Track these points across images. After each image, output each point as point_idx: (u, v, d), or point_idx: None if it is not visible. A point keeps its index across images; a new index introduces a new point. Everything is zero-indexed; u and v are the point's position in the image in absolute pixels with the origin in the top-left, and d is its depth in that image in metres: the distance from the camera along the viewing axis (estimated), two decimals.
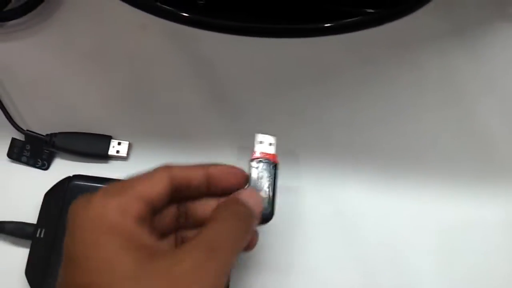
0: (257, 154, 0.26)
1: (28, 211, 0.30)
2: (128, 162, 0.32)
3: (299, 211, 0.31)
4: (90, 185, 0.30)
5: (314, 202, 0.31)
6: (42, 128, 0.32)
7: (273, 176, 0.26)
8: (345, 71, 0.34)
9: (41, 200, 0.30)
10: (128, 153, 0.31)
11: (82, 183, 0.30)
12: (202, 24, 0.35)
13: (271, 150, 0.26)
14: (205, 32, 0.35)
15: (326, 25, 0.34)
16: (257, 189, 0.25)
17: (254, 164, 0.26)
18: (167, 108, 0.33)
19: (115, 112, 0.33)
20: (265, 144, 0.27)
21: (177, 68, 0.34)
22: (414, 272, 0.29)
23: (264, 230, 0.26)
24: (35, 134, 0.31)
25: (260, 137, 0.27)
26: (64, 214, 0.28)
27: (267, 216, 0.25)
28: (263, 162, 0.26)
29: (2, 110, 0.32)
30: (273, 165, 0.26)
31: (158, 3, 0.34)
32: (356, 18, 0.33)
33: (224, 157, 0.31)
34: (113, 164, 0.32)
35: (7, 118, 0.32)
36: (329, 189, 0.31)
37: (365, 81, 0.33)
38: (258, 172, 0.26)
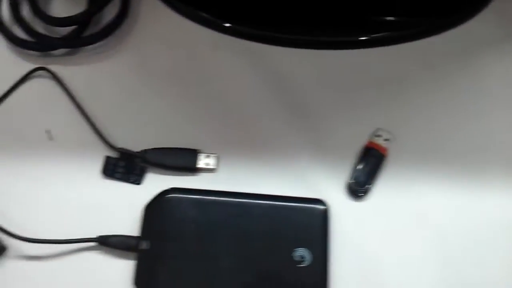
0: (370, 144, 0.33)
1: (126, 224, 0.32)
2: (217, 174, 0.33)
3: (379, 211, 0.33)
4: (187, 197, 0.32)
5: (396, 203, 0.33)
6: (131, 145, 0.34)
7: (378, 165, 0.32)
8: (410, 78, 0.36)
9: (138, 213, 0.32)
10: (216, 165, 0.34)
11: (179, 195, 0.32)
12: (271, 40, 0.37)
13: (385, 144, 0.33)
14: (273, 47, 0.37)
15: (388, 35, 0.37)
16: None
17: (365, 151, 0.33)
18: (247, 122, 0.35)
19: (199, 126, 0.35)
20: (381, 138, 0.33)
21: (252, 83, 0.36)
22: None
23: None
24: (128, 151, 0.33)
25: (379, 131, 0.34)
26: (167, 227, 0.31)
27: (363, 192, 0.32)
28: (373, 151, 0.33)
29: (94, 129, 0.33)
30: (381, 155, 0.33)
31: (228, 24, 0.37)
32: (417, 28, 0.36)
33: (302, 164, 0.33)
34: (202, 176, 0.33)
35: (100, 137, 0.33)
36: (409, 191, 0.33)
37: (431, 88, 0.35)
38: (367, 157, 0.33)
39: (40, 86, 0.36)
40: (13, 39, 0.36)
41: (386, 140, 0.33)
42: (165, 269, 0.30)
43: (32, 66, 0.36)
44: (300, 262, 0.30)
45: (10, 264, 0.31)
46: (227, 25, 0.37)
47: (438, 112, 0.35)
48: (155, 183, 0.33)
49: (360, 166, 0.33)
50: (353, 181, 0.33)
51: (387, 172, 0.33)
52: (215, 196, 0.32)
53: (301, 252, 0.30)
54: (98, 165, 0.33)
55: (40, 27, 0.37)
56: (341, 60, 0.36)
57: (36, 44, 0.36)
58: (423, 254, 0.31)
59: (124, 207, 0.33)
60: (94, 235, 0.31)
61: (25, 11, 0.37)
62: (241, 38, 0.36)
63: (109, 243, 0.31)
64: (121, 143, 0.34)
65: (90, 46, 0.36)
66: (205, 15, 0.37)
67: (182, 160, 0.33)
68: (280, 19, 0.37)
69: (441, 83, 0.36)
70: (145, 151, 0.33)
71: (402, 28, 0.37)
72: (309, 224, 0.31)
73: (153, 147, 0.34)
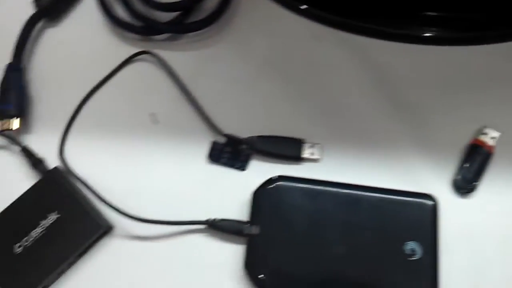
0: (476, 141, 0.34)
1: (232, 209, 0.32)
2: (320, 163, 0.33)
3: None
4: (295, 186, 0.32)
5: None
6: (234, 131, 0.34)
7: (485, 163, 0.33)
8: (504, 76, 0.36)
9: (244, 198, 0.32)
10: (320, 156, 0.34)
11: (287, 183, 0.32)
12: (373, 32, 0.37)
13: (492, 142, 0.33)
14: (374, 40, 0.37)
15: (487, 33, 0.37)
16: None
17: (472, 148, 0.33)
18: (351, 113, 0.35)
19: (303, 115, 0.35)
20: (488, 136, 0.33)
21: (354, 75, 0.36)
22: None
23: None
24: (235, 137, 0.33)
25: (486, 129, 0.34)
26: (275, 213, 0.31)
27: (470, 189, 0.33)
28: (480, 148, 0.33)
29: (201, 114, 0.34)
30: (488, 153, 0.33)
31: (331, 15, 0.37)
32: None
33: (405, 158, 0.33)
34: (306, 165, 0.33)
35: (207, 122, 0.34)
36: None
37: None
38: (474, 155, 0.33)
39: (143, 69, 0.36)
40: (118, 22, 0.37)
41: (492, 138, 0.33)
42: (275, 254, 0.30)
43: (133, 49, 0.37)
44: (411, 255, 0.30)
45: (117, 243, 0.32)
46: (302, 6, 0.36)
47: None
48: (259, 170, 0.33)
49: (466, 163, 0.33)
50: (460, 177, 0.33)
51: (493, 170, 0.33)
52: (323, 186, 0.32)
53: (412, 246, 0.30)
54: (203, 149, 0.34)
55: (141, 11, 0.37)
56: (445, 57, 0.36)
57: (142, 28, 0.36)
58: None
59: (229, 192, 0.33)
60: (200, 218, 0.32)
61: None
62: (340, 29, 0.37)
63: (218, 227, 0.31)
64: (225, 129, 0.34)
65: (192, 33, 0.37)
66: None
67: (288, 149, 0.33)
68: (381, 11, 0.37)
69: None
70: (252, 138, 0.33)
71: (507, 26, 0.37)
72: (418, 218, 0.31)
73: (257, 135, 0.34)
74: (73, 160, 0.34)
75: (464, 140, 0.34)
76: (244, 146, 0.33)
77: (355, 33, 0.36)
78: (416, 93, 0.35)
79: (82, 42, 0.37)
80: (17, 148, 0.34)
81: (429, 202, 0.31)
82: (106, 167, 0.34)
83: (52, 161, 0.34)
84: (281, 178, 0.32)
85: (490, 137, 0.33)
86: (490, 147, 0.33)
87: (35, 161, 0.33)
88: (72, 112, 0.35)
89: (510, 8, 0.36)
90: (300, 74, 0.36)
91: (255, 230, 0.31)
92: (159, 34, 0.36)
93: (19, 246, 0.31)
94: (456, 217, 0.32)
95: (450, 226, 0.32)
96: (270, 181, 0.32)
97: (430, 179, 0.33)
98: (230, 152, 0.33)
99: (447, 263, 0.31)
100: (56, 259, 0.30)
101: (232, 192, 0.33)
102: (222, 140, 0.34)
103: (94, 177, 0.33)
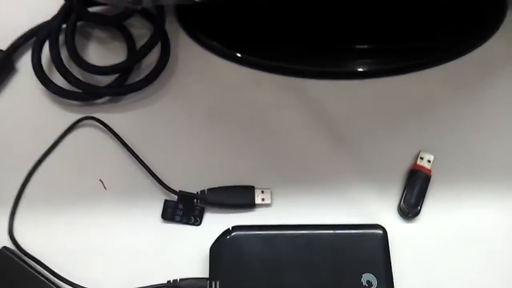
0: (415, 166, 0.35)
1: (191, 266, 0.32)
2: (272, 208, 0.34)
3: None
4: (250, 234, 0.32)
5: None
6: (184, 187, 0.34)
7: (425, 186, 0.34)
8: (441, 99, 0.38)
9: (202, 254, 0.32)
10: (271, 200, 0.34)
11: (241, 232, 0.32)
12: (306, 73, 0.39)
13: (428, 165, 0.35)
14: (310, 80, 0.39)
15: (418, 61, 0.39)
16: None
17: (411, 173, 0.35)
18: (295, 155, 0.36)
19: (248, 162, 0.36)
20: (424, 159, 0.35)
21: (293, 115, 0.37)
22: None
23: None
24: (187, 193, 0.34)
25: (422, 153, 0.36)
26: (234, 265, 0.31)
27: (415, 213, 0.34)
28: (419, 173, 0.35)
29: (151, 174, 0.34)
30: (427, 176, 0.35)
31: (272, 62, 0.38)
32: (445, 52, 0.39)
33: (351, 191, 0.35)
34: (258, 211, 0.34)
35: (158, 181, 0.34)
36: (457, 208, 0.34)
37: (461, 106, 0.37)
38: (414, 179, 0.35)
39: (88, 135, 0.36)
40: (57, 91, 0.36)
41: (428, 161, 0.35)
42: None
43: (75, 116, 0.36)
44: (369, 287, 0.31)
45: None
46: (238, 55, 0.38)
47: (469, 129, 0.37)
48: (214, 222, 0.34)
49: (408, 188, 0.35)
50: (404, 203, 0.34)
51: (434, 192, 0.35)
52: (277, 230, 0.32)
53: (368, 277, 0.31)
54: (156, 209, 0.34)
55: (79, 77, 0.37)
56: (378, 87, 0.38)
57: (82, 94, 0.36)
58: (481, 268, 0.33)
59: (187, 249, 0.33)
60: (161, 280, 0.32)
61: (64, 59, 0.37)
62: (278, 74, 0.38)
63: (180, 287, 0.31)
64: (175, 186, 0.34)
65: (134, 93, 0.37)
66: (217, 44, 0.38)
67: (241, 197, 0.34)
68: (313, 51, 0.39)
69: (467, 101, 0.38)
70: (203, 192, 0.34)
71: (427, 53, 0.40)
72: (371, 249, 0.32)
73: (208, 187, 0.34)
74: (24, 237, 0.33)
75: (404, 166, 0.36)
76: (196, 201, 0.34)
77: (290, 75, 0.38)
78: (354, 125, 0.37)
79: (22, 113, 0.37)
80: None
81: (379, 232, 0.32)
82: (59, 240, 0.33)
83: (1, 241, 0.33)
84: (235, 228, 0.32)
85: (427, 160, 0.35)
86: (428, 170, 0.35)
87: None
88: (18, 188, 0.34)
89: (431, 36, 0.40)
90: (243, 120, 0.37)
91: (215, 285, 0.31)
92: (99, 98, 0.37)
93: None
94: (406, 242, 0.33)
95: (401, 251, 0.33)
96: (226, 233, 0.32)
97: (377, 208, 0.35)
98: (183, 209, 0.34)
99: None
100: None
101: (190, 248, 0.33)
102: (174, 197, 0.34)
103: (46, 252, 0.32)
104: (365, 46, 0.40)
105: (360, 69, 0.38)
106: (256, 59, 0.38)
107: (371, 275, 0.31)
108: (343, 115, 0.37)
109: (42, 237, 0.33)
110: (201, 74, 0.38)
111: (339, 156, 0.36)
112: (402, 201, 0.34)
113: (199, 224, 0.34)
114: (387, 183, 0.35)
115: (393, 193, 0.35)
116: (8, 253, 0.32)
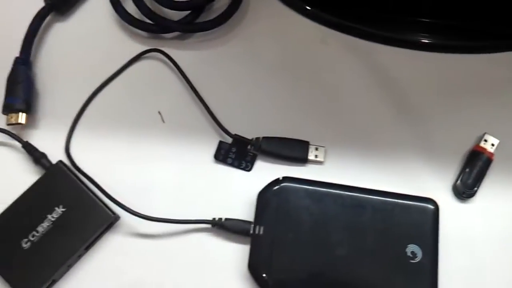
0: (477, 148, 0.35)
1: (236, 208, 0.33)
2: (323, 166, 0.34)
3: None
4: (300, 187, 0.32)
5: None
6: (242, 132, 0.34)
7: (485, 169, 0.34)
8: (505, 84, 0.36)
9: (248, 199, 0.33)
10: (324, 158, 0.34)
11: (292, 184, 0.32)
12: (381, 38, 0.38)
13: (491, 149, 0.34)
14: (380, 45, 0.38)
15: (492, 43, 0.37)
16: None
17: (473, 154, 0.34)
18: (355, 117, 0.35)
19: (307, 118, 0.35)
20: (488, 143, 0.34)
21: (359, 78, 0.36)
22: None
23: None
24: (242, 138, 0.34)
25: (486, 136, 0.35)
26: (280, 214, 0.32)
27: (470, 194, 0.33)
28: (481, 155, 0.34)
29: (210, 114, 0.34)
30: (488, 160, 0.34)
31: (342, 20, 0.37)
32: None
33: (407, 162, 0.34)
34: (310, 167, 0.34)
35: (215, 122, 0.34)
36: None
37: None
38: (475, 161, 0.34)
39: (152, 67, 0.36)
40: (128, 19, 0.36)
41: (492, 145, 0.34)
42: (278, 255, 0.31)
43: (141, 47, 0.37)
44: (412, 258, 0.31)
45: (122, 240, 0.32)
46: (308, 8, 0.37)
47: None
48: (264, 170, 0.34)
49: (467, 169, 0.34)
50: (460, 183, 0.33)
51: (493, 176, 0.34)
52: (327, 188, 0.32)
53: (413, 248, 0.31)
54: (210, 149, 0.34)
55: (152, 8, 0.37)
56: (449, 63, 0.37)
57: (152, 25, 0.36)
58: None
59: (234, 192, 0.33)
60: (205, 217, 0.32)
61: None
62: (349, 34, 0.37)
63: (224, 226, 0.32)
64: (230, 129, 0.34)
65: (201, 33, 0.37)
66: None
67: (294, 151, 0.34)
68: (389, 17, 0.38)
69: None
70: (258, 139, 0.34)
71: (502, 37, 0.38)
72: (420, 222, 0.31)
73: (263, 136, 0.34)
74: (79, 156, 0.34)
75: (464, 146, 0.35)
76: (250, 147, 0.34)
77: (361, 37, 0.37)
78: (419, 98, 0.36)
79: (91, 37, 0.37)
80: (19, 144, 0.34)
81: (431, 206, 0.32)
82: (112, 164, 0.34)
83: (57, 156, 0.34)
84: (286, 179, 0.32)
85: (491, 143, 0.34)
86: (490, 154, 0.34)
87: (37, 156, 0.33)
88: (79, 108, 0.35)
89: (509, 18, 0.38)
90: (306, 77, 0.37)
91: (259, 230, 0.31)
92: (169, 33, 0.37)
93: (27, 242, 0.31)
94: (456, 221, 0.33)
95: (450, 230, 0.32)
96: (276, 182, 0.32)
97: (431, 183, 0.34)
98: (236, 153, 0.34)
99: (446, 266, 0.31)
100: (65, 252, 0.31)
101: (237, 192, 0.33)
102: (228, 140, 0.34)
103: (99, 173, 0.33)
104: (441, 21, 0.38)
105: (432, 41, 0.36)
106: (327, 16, 0.37)
107: (417, 247, 0.31)
108: (409, 85, 0.36)
109: (95, 158, 0.34)
110: (270, 23, 0.38)
111: (399, 125, 0.35)
112: (459, 180, 0.33)
113: (249, 170, 0.34)
114: (445, 160, 0.34)
115: (451, 170, 0.34)
116: (63, 166, 0.33)
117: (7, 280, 0.31)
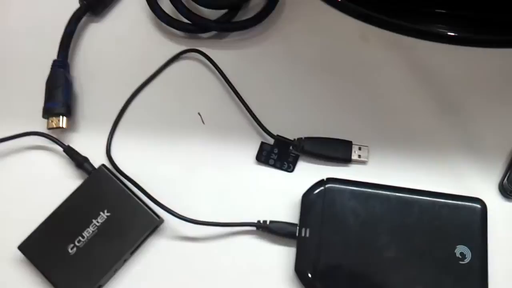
0: None
1: (280, 210, 0.32)
2: (367, 166, 0.34)
3: None
4: (345, 188, 0.32)
5: None
6: (283, 132, 0.34)
7: None
8: None
9: (292, 200, 0.32)
10: (367, 158, 0.33)
11: (336, 185, 0.32)
12: (422, 34, 0.37)
13: None
14: (421, 41, 0.37)
15: None
16: None
17: None
18: (398, 116, 0.35)
19: (348, 117, 0.35)
20: None
21: (401, 76, 0.36)
22: None
23: None
24: (285, 138, 0.33)
25: None
26: (326, 216, 0.31)
27: None
28: None
29: (252, 116, 0.34)
30: None
31: (381, 15, 0.36)
32: None
33: (451, 160, 0.33)
34: (353, 167, 0.34)
35: (257, 123, 0.34)
36: None
37: None
38: None
39: (190, 68, 0.36)
40: (164, 19, 0.36)
41: None
42: (326, 257, 0.30)
43: (178, 47, 0.36)
44: (461, 259, 0.30)
45: (166, 243, 0.32)
46: (347, 3, 0.36)
47: None
48: (306, 171, 0.34)
49: None
50: (507, 181, 0.33)
51: None
52: (373, 189, 0.32)
53: (462, 249, 0.31)
54: (251, 150, 0.34)
55: (188, 8, 0.36)
56: (493, 60, 0.36)
57: (189, 25, 0.36)
58: None
59: (277, 193, 0.33)
60: (249, 219, 0.32)
61: None
62: (389, 30, 0.36)
63: (269, 229, 0.31)
64: (271, 130, 0.34)
65: (238, 32, 0.36)
66: None
67: (337, 151, 0.33)
68: (430, 11, 0.37)
69: None
70: (300, 139, 0.33)
71: None
72: (468, 222, 0.31)
73: (304, 136, 0.34)
74: (120, 158, 0.34)
75: (510, 144, 0.34)
76: (292, 148, 0.34)
77: (403, 33, 0.36)
78: (463, 95, 0.35)
79: (127, 38, 0.37)
80: (60, 148, 0.34)
81: (479, 206, 0.31)
82: (153, 166, 0.34)
83: (98, 160, 0.34)
84: (330, 180, 0.32)
85: None
86: None
87: (79, 160, 0.33)
88: (119, 110, 0.35)
89: None
90: (347, 75, 0.36)
91: (305, 232, 0.31)
92: (205, 32, 0.36)
93: (73, 247, 0.31)
94: (503, 220, 0.32)
95: (497, 229, 0.32)
96: (320, 183, 0.32)
97: (476, 182, 0.33)
98: (278, 154, 0.33)
99: (494, 266, 0.31)
100: (111, 257, 0.31)
101: (280, 193, 0.33)
102: (270, 141, 0.34)
103: (141, 176, 0.33)
104: (486, 15, 0.37)
105: (478, 36, 0.36)
106: (366, 10, 0.36)
107: (466, 248, 0.30)
108: (452, 82, 0.35)
109: (136, 161, 0.34)
110: (308, 20, 0.37)
111: (444, 123, 0.34)
112: (505, 179, 0.33)
113: (291, 171, 0.34)
114: (490, 158, 0.34)
115: (496, 169, 0.33)
116: (106, 170, 0.33)
117: (55, 285, 0.31)
